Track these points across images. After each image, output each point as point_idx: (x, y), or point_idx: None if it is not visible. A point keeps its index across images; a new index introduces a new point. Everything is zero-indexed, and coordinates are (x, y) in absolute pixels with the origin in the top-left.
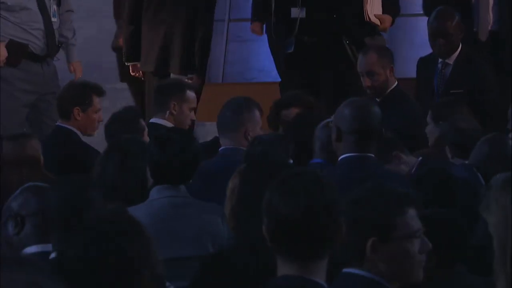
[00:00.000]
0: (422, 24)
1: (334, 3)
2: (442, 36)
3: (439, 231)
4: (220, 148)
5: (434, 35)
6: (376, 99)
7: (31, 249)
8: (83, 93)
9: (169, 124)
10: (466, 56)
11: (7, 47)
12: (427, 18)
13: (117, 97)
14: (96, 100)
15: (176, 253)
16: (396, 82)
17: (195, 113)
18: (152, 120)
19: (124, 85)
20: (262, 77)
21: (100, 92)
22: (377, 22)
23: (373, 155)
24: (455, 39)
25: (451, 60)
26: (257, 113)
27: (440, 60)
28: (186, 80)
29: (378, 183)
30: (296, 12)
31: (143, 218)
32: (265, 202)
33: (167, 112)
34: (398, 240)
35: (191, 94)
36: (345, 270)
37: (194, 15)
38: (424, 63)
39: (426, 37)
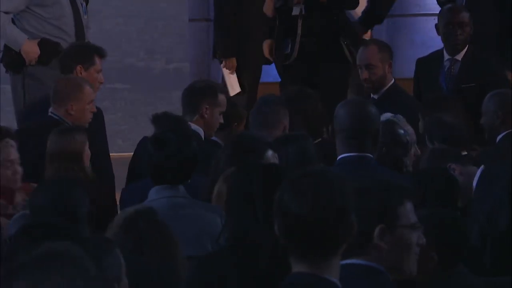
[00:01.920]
0: (422, 25)
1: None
2: (459, 26)
3: (440, 230)
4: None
5: (450, 25)
6: (374, 96)
7: None
8: (86, 52)
9: (197, 128)
10: (474, 53)
11: (39, 45)
12: (426, 18)
13: (117, 97)
14: (98, 60)
15: None
16: (393, 80)
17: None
18: None
19: (124, 85)
20: (262, 77)
21: (102, 53)
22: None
23: (370, 155)
24: (469, 32)
25: (459, 57)
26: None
27: (447, 57)
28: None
29: (376, 177)
30: (297, 10)
31: None
32: (277, 201)
33: (197, 115)
34: (401, 229)
35: (222, 97)
36: (347, 261)
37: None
38: (426, 63)
39: (426, 37)
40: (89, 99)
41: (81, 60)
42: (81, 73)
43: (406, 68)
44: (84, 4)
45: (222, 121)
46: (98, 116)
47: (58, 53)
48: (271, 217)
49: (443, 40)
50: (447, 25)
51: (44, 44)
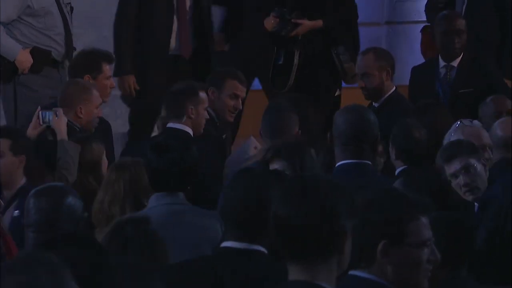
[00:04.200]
0: None
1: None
2: (457, 33)
3: (444, 233)
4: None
5: (447, 33)
6: (374, 104)
7: None
8: (93, 60)
9: (187, 129)
10: (470, 57)
11: (31, 53)
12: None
13: (117, 104)
14: (106, 67)
15: (176, 260)
16: (395, 88)
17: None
18: (170, 125)
19: None
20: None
21: (110, 59)
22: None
23: (368, 162)
24: (465, 39)
25: (455, 63)
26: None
27: (443, 64)
28: None
29: (392, 187)
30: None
31: None
32: (272, 208)
33: (185, 116)
34: (409, 246)
35: (203, 94)
36: (351, 272)
37: None
38: (421, 71)
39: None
40: (97, 102)
41: (89, 69)
42: (89, 82)
43: (406, 75)
44: (69, 12)
45: (208, 116)
46: (107, 129)
47: (50, 61)
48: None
49: (440, 48)
50: (444, 33)
51: (36, 52)
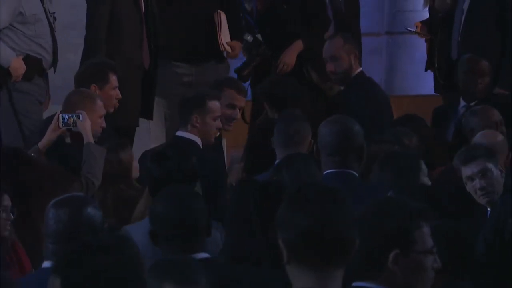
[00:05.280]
0: (422, 41)
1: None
2: (481, 75)
3: (445, 239)
4: (277, 161)
5: (470, 73)
6: (341, 87)
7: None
8: (100, 70)
9: (194, 137)
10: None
11: (24, 61)
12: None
13: None
14: (112, 77)
15: None
16: (361, 69)
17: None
18: (178, 133)
19: None
20: None
21: (116, 69)
22: (229, 49)
23: (353, 172)
24: (488, 82)
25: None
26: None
27: (463, 104)
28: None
29: (391, 196)
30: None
31: (143, 235)
32: (281, 214)
33: (189, 125)
34: (416, 254)
35: (213, 104)
36: (357, 284)
37: None
38: (443, 111)
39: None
40: (101, 112)
41: (95, 79)
42: (96, 92)
43: (407, 85)
44: (53, 22)
45: (220, 126)
46: (110, 135)
47: (40, 70)
48: (269, 235)
49: (462, 87)
50: (467, 73)
51: (28, 60)
